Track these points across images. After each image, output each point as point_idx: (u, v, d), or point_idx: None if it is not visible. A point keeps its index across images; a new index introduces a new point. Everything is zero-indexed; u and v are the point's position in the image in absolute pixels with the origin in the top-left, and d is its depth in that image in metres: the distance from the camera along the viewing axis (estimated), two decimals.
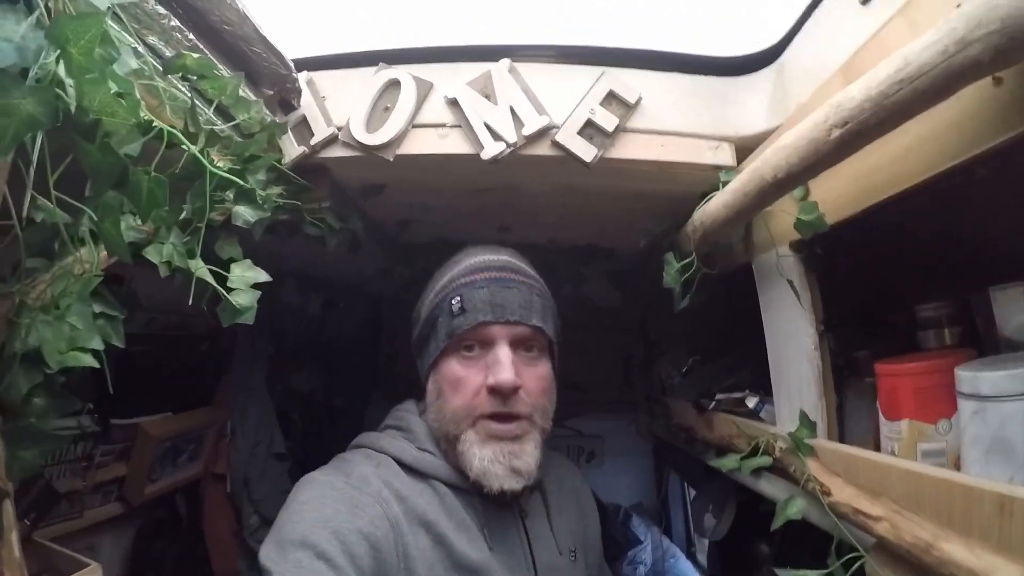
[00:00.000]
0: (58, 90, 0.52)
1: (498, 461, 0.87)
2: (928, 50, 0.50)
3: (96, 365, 0.68)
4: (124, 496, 1.60)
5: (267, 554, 0.73)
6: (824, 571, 0.75)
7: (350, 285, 2.46)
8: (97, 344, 0.69)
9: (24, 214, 0.62)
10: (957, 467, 0.73)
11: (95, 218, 0.60)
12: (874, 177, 0.73)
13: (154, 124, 0.64)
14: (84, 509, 1.45)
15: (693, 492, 2.45)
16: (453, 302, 0.93)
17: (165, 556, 1.72)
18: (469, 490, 0.91)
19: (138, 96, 0.57)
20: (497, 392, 0.89)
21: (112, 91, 0.54)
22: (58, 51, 0.53)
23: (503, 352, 0.90)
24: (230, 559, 1.86)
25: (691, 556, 3.03)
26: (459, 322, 0.91)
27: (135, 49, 0.73)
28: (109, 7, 0.56)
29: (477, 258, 1.00)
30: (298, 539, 0.73)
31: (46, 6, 0.55)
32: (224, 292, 0.79)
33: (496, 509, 0.93)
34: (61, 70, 0.55)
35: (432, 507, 0.87)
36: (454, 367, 0.93)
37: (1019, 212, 0.79)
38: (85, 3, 0.60)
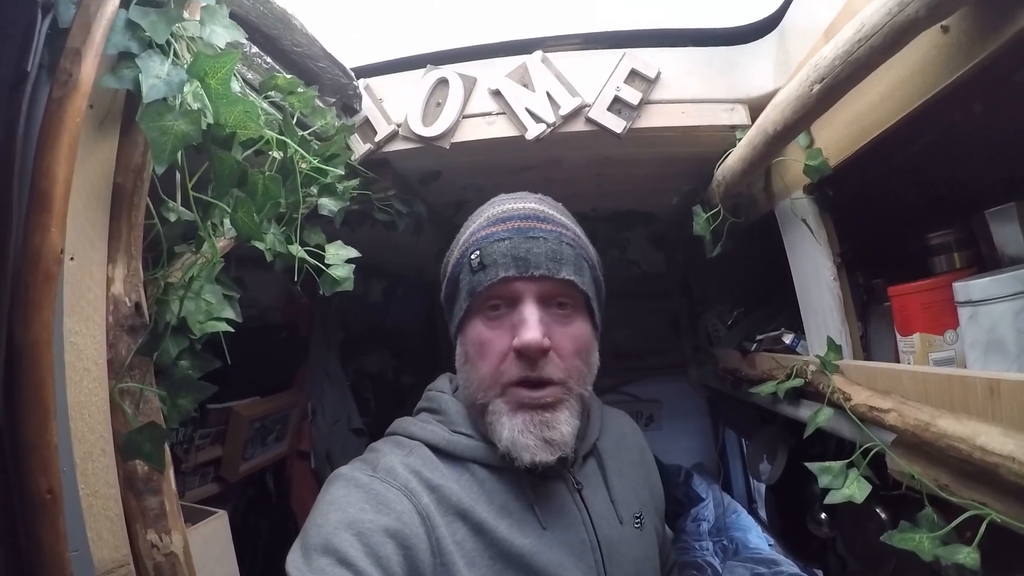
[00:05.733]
0: (201, 111, 0.68)
1: (529, 431, 0.78)
2: (877, 12, 0.61)
3: (231, 329, 0.84)
4: (220, 475, 1.76)
5: (293, 561, 0.71)
6: (847, 460, 0.87)
7: (407, 273, 2.62)
8: (228, 314, 0.85)
9: (164, 215, 0.79)
10: None
11: (228, 211, 0.76)
12: (862, 122, 0.84)
13: (263, 134, 0.79)
14: (185, 490, 1.62)
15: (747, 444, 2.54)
16: (472, 257, 0.83)
17: (259, 529, 1.89)
18: (513, 469, 0.81)
19: (259, 112, 0.72)
20: (524, 355, 0.79)
21: (243, 110, 0.69)
22: (196, 82, 0.69)
23: (528, 310, 0.80)
24: None
25: (752, 512, 3.13)
26: (479, 279, 0.82)
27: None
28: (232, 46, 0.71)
29: (499, 207, 0.88)
30: (321, 544, 0.70)
31: (173, 51, 0.71)
32: (324, 268, 0.95)
33: (546, 485, 0.85)
34: (189, 97, 0.71)
35: (469, 494, 0.80)
36: (479, 329, 0.84)
37: (1013, 139, 0.87)
38: (204, 44, 0.76)
